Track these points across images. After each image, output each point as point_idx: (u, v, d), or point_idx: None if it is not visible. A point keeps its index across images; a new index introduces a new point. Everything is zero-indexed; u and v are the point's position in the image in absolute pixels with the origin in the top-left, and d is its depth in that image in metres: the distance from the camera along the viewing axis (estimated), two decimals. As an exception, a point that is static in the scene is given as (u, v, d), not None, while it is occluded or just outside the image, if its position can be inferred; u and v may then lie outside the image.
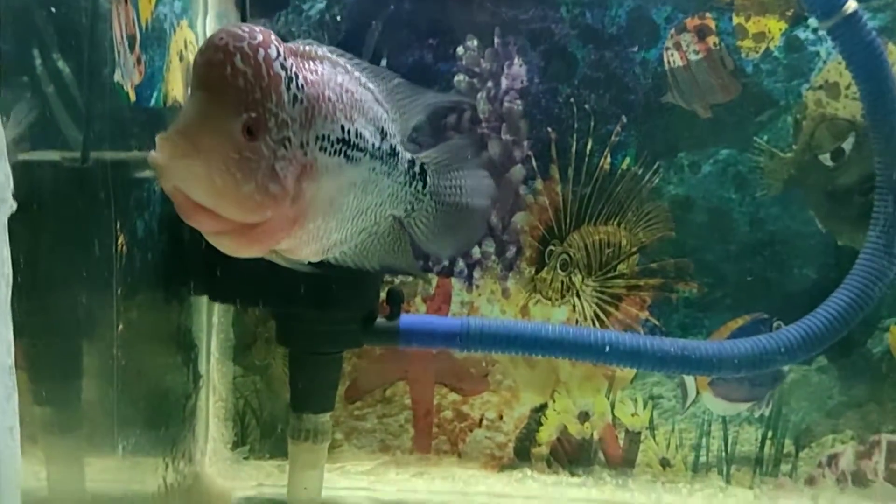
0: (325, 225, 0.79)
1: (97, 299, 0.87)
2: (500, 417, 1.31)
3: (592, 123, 1.24)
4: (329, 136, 0.75)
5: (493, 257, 1.28)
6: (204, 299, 1.21)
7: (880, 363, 1.26)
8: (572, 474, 1.31)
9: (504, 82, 1.25)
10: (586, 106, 1.24)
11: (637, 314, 1.28)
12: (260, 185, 0.69)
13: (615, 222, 1.27)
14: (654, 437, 1.30)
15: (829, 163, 1.24)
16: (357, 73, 0.81)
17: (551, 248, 1.27)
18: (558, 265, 1.28)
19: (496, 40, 1.24)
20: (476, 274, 1.28)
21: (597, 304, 1.28)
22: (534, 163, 1.26)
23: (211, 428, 1.29)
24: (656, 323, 1.27)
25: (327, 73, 0.76)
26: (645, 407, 1.30)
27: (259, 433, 1.30)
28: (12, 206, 0.66)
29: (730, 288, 1.26)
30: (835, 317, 1.15)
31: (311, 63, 0.75)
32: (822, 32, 1.20)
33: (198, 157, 0.66)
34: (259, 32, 0.69)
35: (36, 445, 0.73)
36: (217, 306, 1.27)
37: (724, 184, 1.25)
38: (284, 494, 1.18)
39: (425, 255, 1.27)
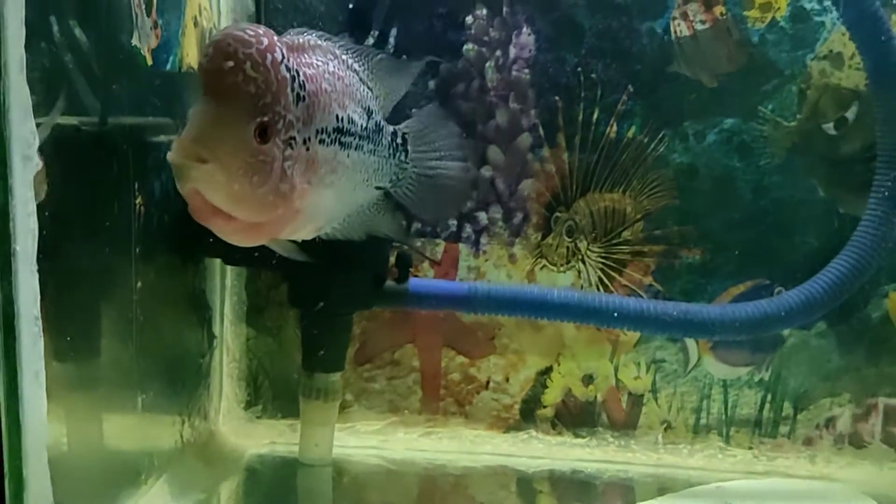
0: (321, 209, 0.82)
1: (117, 257, 0.90)
2: (507, 380, 1.34)
3: (599, 92, 1.26)
4: (326, 128, 0.78)
5: (500, 223, 1.30)
6: (217, 262, 1.24)
7: (878, 329, 1.29)
8: (576, 436, 1.34)
9: (512, 51, 1.26)
10: (593, 75, 1.26)
11: (641, 280, 1.30)
12: (273, 186, 0.72)
13: (620, 190, 1.29)
14: (656, 400, 1.34)
15: (833, 132, 1.26)
16: (344, 56, 0.83)
17: (557, 214, 1.30)
18: (564, 231, 1.30)
19: (505, 9, 1.25)
20: (483, 240, 1.31)
21: (601, 270, 1.31)
22: (541, 131, 1.28)
23: (225, 387, 1.32)
24: (660, 288, 1.30)
25: (321, 63, 0.78)
26: (648, 370, 1.33)
27: (271, 394, 1.34)
28: (38, 163, 0.69)
29: (732, 254, 1.28)
30: (835, 283, 1.18)
31: (307, 56, 0.78)
32: (827, 3, 1.21)
33: (217, 163, 0.69)
34: (264, 36, 0.71)
35: (57, 400, 0.76)
36: (230, 269, 1.30)
37: (728, 152, 1.27)
38: (296, 453, 1.22)
39: (433, 221, 1.30)
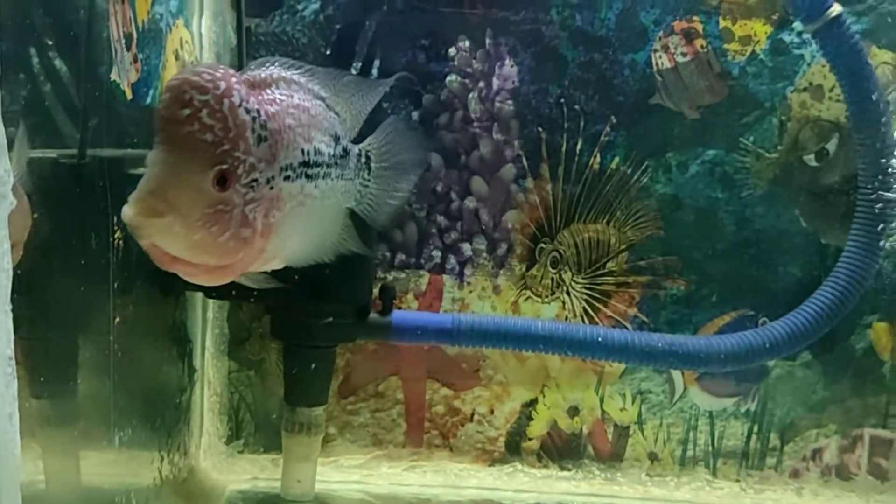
0: (289, 242, 0.80)
1: (94, 292, 0.89)
2: (491, 412, 1.33)
3: (582, 123, 1.26)
4: (292, 164, 0.76)
5: (485, 255, 1.30)
6: (199, 295, 1.23)
7: (863, 359, 1.29)
8: (562, 468, 1.33)
9: (495, 83, 1.27)
10: (576, 106, 1.26)
11: (626, 311, 1.30)
12: (234, 233, 0.70)
13: (604, 221, 1.29)
14: (642, 432, 1.33)
15: (814, 163, 1.26)
16: (309, 84, 0.81)
17: (542, 245, 1.29)
18: (548, 262, 1.30)
19: (488, 41, 1.26)
20: (467, 271, 1.30)
21: (586, 301, 1.30)
22: (525, 162, 1.28)
23: (206, 422, 1.30)
24: (645, 319, 1.30)
25: (285, 98, 0.76)
26: (633, 402, 1.32)
27: (253, 427, 1.32)
28: (12, 202, 0.68)
29: (717, 285, 1.28)
30: (819, 313, 1.18)
31: (269, 92, 0.75)
32: (806, 36, 1.23)
33: (174, 216, 0.66)
34: (221, 79, 0.68)
35: (33, 438, 0.75)
36: (212, 302, 1.28)
37: (711, 183, 1.27)
38: (278, 488, 1.20)
39: (417, 252, 1.29)
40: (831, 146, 1.26)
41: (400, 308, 1.26)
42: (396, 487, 1.30)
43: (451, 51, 1.26)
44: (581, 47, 1.25)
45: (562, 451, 1.33)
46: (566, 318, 1.30)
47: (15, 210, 0.66)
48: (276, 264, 0.83)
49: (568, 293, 1.30)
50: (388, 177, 0.94)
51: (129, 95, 0.95)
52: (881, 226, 1.17)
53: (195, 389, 1.26)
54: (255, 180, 0.71)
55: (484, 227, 1.29)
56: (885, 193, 1.17)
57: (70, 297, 0.83)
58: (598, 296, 1.30)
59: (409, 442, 1.33)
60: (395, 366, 1.32)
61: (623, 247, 1.29)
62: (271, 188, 0.73)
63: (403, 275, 1.30)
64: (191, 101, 0.66)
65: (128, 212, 0.66)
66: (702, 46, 1.25)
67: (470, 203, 1.29)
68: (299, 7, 1.25)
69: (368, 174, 0.92)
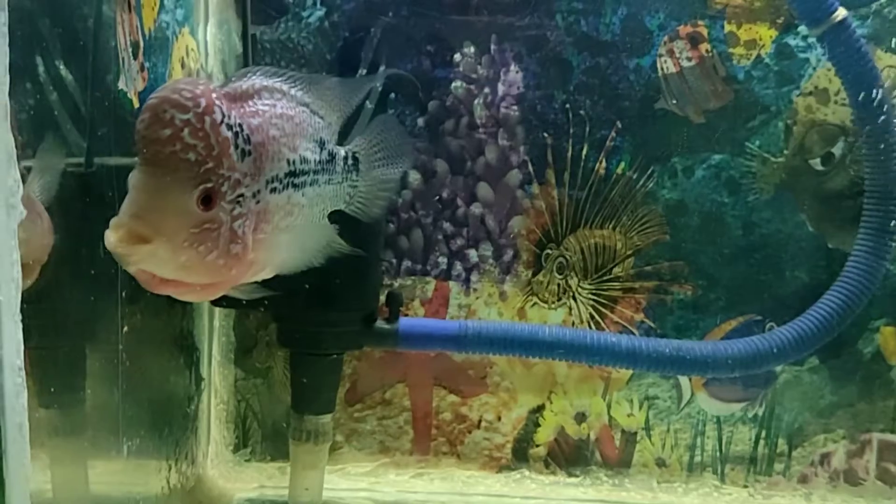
0: (279, 251, 0.79)
1: (103, 301, 0.88)
2: (499, 419, 1.33)
3: (588, 129, 1.26)
4: (278, 175, 0.74)
5: (491, 261, 1.30)
6: (205, 303, 1.23)
7: (870, 364, 1.28)
8: (570, 475, 1.33)
9: (501, 88, 1.27)
10: (581, 112, 1.26)
11: (632, 316, 1.30)
12: (222, 250, 0.69)
13: (610, 226, 1.29)
14: (649, 438, 1.32)
15: (820, 167, 1.26)
16: (293, 91, 0.79)
17: (548, 251, 1.29)
18: (555, 268, 1.30)
19: (493, 47, 1.26)
20: (474, 277, 1.30)
21: (593, 307, 1.30)
22: (530, 167, 1.28)
23: (213, 430, 1.30)
24: (651, 325, 1.29)
25: (267, 108, 0.74)
26: (641, 408, 1.32)
27: (260, 435, 1.32)
28: (22, 212, 0.68)
29: (723, 290, 1.28)
30: (826, 318, 1.18)
31: (251, 103, 0.73)
32: (812, 39, 1.23)
33: (158, 241, 0.65)
34: (201, 95, 0.66)
35: (41, 448, 0.74)
36: (218, 310, 1.28)
37: (717, 188, 1.27)
38: (286, 496, 1.19)
39: (423, 259, 1.29)
40: (837, 150, 1.26)
41: (406, 315, 1.25)
42: (404, 494, 1.29)
43: (457, 57, 1.26)
44: (586, 53, 1.25)
45: (569, 457, 1.33)
46: (573, 323, 1.30)
47: (36, 229, 0.66)
48: (267, 274, 0.83)
49: (574, 299, 1.30)
50: (377, 176, 0.93)
51: (136, 104, 0.95)
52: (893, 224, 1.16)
53: (202, 398, 1.26)
54: (242, 195, 0.70)
55: (490, 233, 1.29)
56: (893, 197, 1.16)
57: (79, 306, 0.83)
58: (604, 301, 1.30)
59: (416, 449, 1.33)
60: (402, 373, 1.32)
61: (629, 252, 1.29)
62: (258, 202, 0.72)
63: (410, 281, 1.29)
64: (171, 120, 0.64)
65: (111, 238, 0.64)
66: (707, 51, 1.25)
67: (476, 209, 1.29)
68: (304, 14, 1.25)
69: (357, 175, 0.91)
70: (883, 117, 1.15)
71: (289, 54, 1.25)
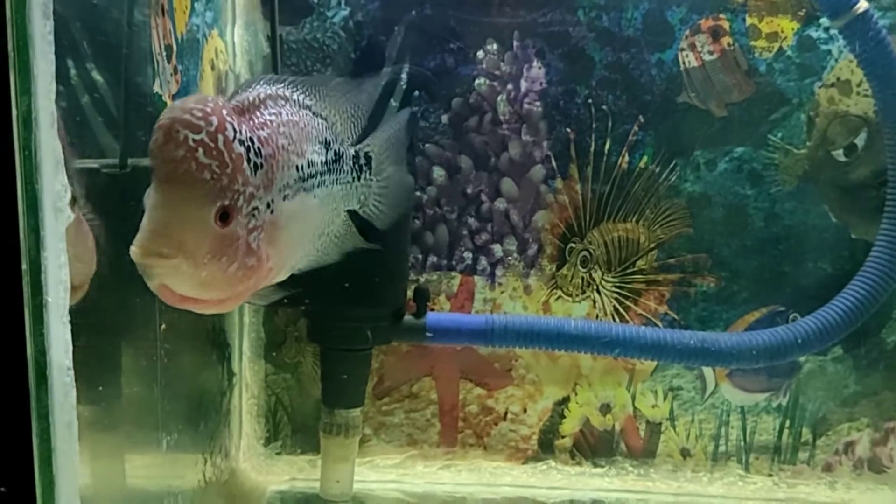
0: (294, 255, 0.81)
1: (141, 301, 0.91)
2: (524, 411, 1.34)
3: (610, 123, 1.27)
4: (288, 183, 0.75)
5: (515, 255, 1.31)
6: (235, 300, 1.25)
7: (894, 352, 1.29)
8: (595, 465, 1.34)
9: (523, 85, 1.28)
10: (604, 106, 1.27)
11: (656, 308, 1.31)
12: (241, 263, 0.70)
13: (634, 219, 1.30)
14: (674, 428, 1.34)
15: (842, 158, 1.27)
16: (295, 96, 0.80)
17: (571, 245, 1.31)
18: (578, 262, 1.31)
19: (515, 44, 1.27)
20: (498, 271, 1.31)
21: (616, 300, 1.32)
22: (553, 162, 1.29)
23: (244, 424, 1.33)
24: (675, 317, 1.31)
25: (274, 118, 0.75)
26: (665, 398, 1.33)
27: (290, 429, 1.34)
28: (69, 216, 0.70)
29: (746, 281, 1.29)
30: (850, 308, 1.19)
31: (258, 114, 0.74)
32: (833, 31, 1.23)
33: (182, 257, 0.66)
34: (212, 114, 0.67)
35: (85, 444, 0.77)
36: (248, 306, 1.31)
37: (739, 180, 1.28)
38: (317, 488, 1.22)
39: (449, 254, 1.31)
40: (860, 141, 1.26)
41: (433, 310, 1.27)
42: (432, 486, 1.31)
43: (480, 54, 1.27)
44: (608, 48, 1.26)
45: (595, 448, 1.35)
46: (597, 316, 1.31)
47: (84, 249, 0.68)
48: (282, 276, 0.84)
49: (598, 292, 1.31)
50: (390, 173, 0.94)
51: (171, 107, 0.97)
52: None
53: (234, 393, 1.28)
54: (256, 208, 0.71)
55: (514, 228, 1.31)
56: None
57: (120, 305, 0.85)
58: (628, 294, 1.31)
59: (443, 441, 1.35)
60: (429, 367, 1.34)
61: (652, 245, 1.30)
62: (272, 212, 0.73)
63: (435, 276, 1.31)
64: (185, 141, 0.65)
65: (136, 252, 0.66)
66: (728, 44, 1.25)
67: (500, 204, 1.30)
68: (329, 14, 1.26)
69: (370, 174, 0.92)
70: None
71: (314, 54, 1.27)
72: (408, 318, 1.19)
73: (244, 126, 0.70)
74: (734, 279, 1.29)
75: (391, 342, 1.23)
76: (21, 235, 0.67)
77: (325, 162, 0.82)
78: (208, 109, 0.67)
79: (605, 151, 1.28)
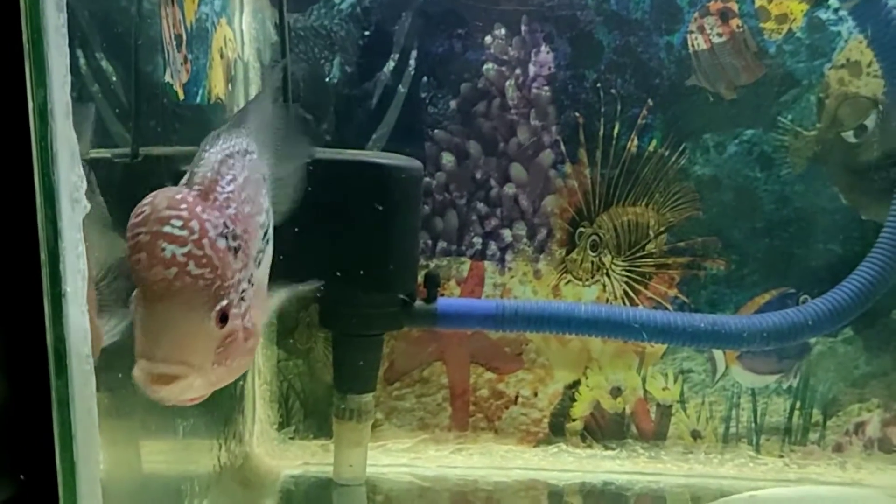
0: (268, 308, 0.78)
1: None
2: (535, 394, 1.35)
3: (619, 107, 1.27)
4: (259, 247, 0.72)
5: (525, 240, 1.31)
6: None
7: (905, 333, 1.30)
8: (606, 448, 1.35)
9: (532, 69, 1.28)
10: (613, 90, 1.27)
11: (666, 292, 1.31)
12: (242, 350, 0.68)
13: (643, 203, 1.30)
14: (684, 410, 1.34)
15: (853, 139, 1.27)
16: (236, 141, 0.76)
17: (581, 229, 1.31)
18: (588, 246, 1.31)
19: (523, 28, 1.27)
20: (508, 256, 1.32)
21: (626, 283, 1.32)
22: (562, 147, 1.29)
23: (258, 409, 1.34)
24: (685, 300, 1.31)
25: (234, 186, 0.70)
26: (675, 381, 1.34)
27: (303, 414, 1.35)
28: (86, 206, 0.71)
29: (757, 264, 1.29)
30: (861, 289, 1.19)
31: (222, 189, 0.69)
32: (843, 12, 1.22)
33: (192, 374, 0.63)
34: (192, 218, 0.61)
35: (104, 432, 0.77)
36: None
37: (749, 163, 1.28)
38: (330, 472, 1.23)
39: (458, 239, 1.31)
40: (870, 122, 1.26)
41: (443, 295, 1.28)
42: (444, 469, 1.32)
43: (487, 39, 1.27)
44: (616, 31, 1.26)
45: (605, 431, 1.36)
46: (607, 300, 1.32)
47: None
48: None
49: (608, 276, 1.32)
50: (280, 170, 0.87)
51: (182, 96, 0.97)
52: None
53: (247, 378, 1.29)
54: (244, 290, 0.68)
55: (524, 213, 1.31)
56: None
57: (130, 291, 0.86)
58: (638, 278, 1.32)
59: (454, 425, 1.36)
60: (439, 352, 1.35)
61: (662, 229, 1.30)
62: (253, 284, 0.70)
63: (445, 262, 1.32)
64: (173, 258, 0.61)
65: (142, 378, 0.63)
66: (737, 26, 1.25)
67: (509, 189, 1.30)
68: (336, 1, 1.26)
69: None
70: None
71: (321, 41, 1.27)
72: (419, 303, 1.20)
73: (217, 214, 0.65)
74: (744, 262, 1.30)
75: (402, 328, 1.24)
76: (39, 226, 0.68)
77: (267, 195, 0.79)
78: (185, 214, 0.62)
79: (614, 135, 1.28)
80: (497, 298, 1.29)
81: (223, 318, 0.65)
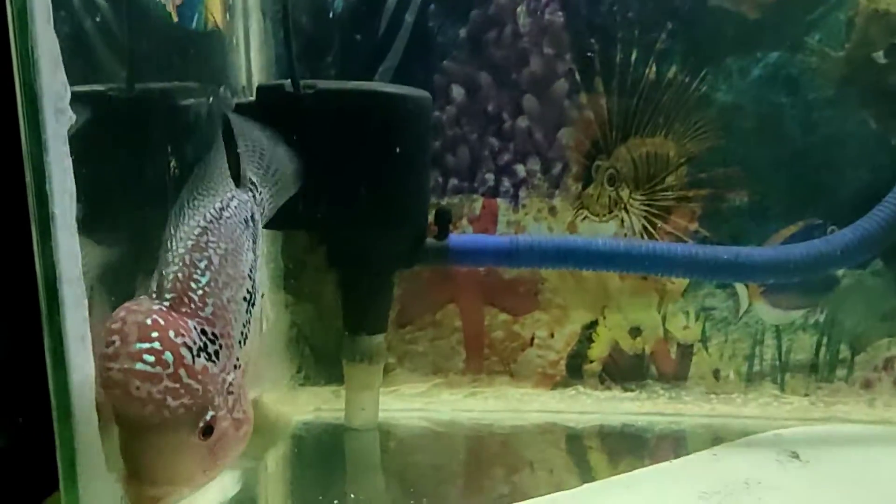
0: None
1: (152, 225, 0.87)
2: (551, 336, 1.31)
3: (636, 32, 1.21)
4: (242, 332, 0.70)
5: (539, 175, 1.26)
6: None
7: (937, 264, 1.25)
8: (625, 389, 1.32)
9: (544, -6, 1.22)
10: (629, 14, 1.21)
11: (687, 226, 1.26)
12: (235, 440, 0.66)
13: (662, 133, 1.24)
14: (706, 350, 1.30)
15: (883, 60, 1.20)
16: (206, 206, 0.73)
17: (598, 163, 1.26)
18: (605, 180, 1.26)
19: (534, -49, 1.21)
20: (522, 193, 1.27)
21: (645, 218, 1.27)
22: (577, 76, 1.23)
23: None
24: (706, 234, 1.26)
25: (209, 273, 0.67)
26: (697, 319, 1.29)
27: (313, 360, 1.32)
28: (71, 117, 0.66)
29: (781, 195, 1.24)
30: (891, 218, 1.14)
31: (195, 285, 0.66)
32: (874, -77, 1.16)
33: (182, 488, 0.63)
34: (165, 348, 0.59)
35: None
36: (264, 236, 1.27)
37: (774, 88, 1.22)
38: (342, 418, 1.20)
39: (470, 175, 1.26)
40: (902, 41, 1.20)
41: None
42: (458, 414, 1.29)
43: (497, -37, 1.21)
44: (633, -49, 1.20)
45: (624, 372, 1.32)
46: (625, 236, 1.27)
47: None
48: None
49: (626, 210, 1.27)
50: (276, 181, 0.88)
51: (175, 18, 0.92)
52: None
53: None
54: (230, 384, 0.65)
55: (537, 147, 1.26)
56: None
57: (131, 229, 0.82)
58: (657, 212, 1.27)
59: (468, 369, 1.32)
60: (452, 293, 1.31)
61: (682, 160, 1.25)
62: (239, 367, 0.68)
63: (457, 200, 1.27)
64: (150, 396, 0.59)
65: (132, 497, 0.62)
66: (761, -58, 1.18)
67: (522, 122, 1.25)
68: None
69: (260, 197, 0.84)
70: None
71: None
72: (430, 240, 1.15)
73: (193, 325, 0.63)
74: (769, 193, 1.24)
75: (413, 266, 1.19)
76: (22, 140, 0.64)
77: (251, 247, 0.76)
78: (158, 346, 0.59)
79: (632, 62, 1.22)
80: (511, 234, 1.24)
81: (208, 431, 0.63)
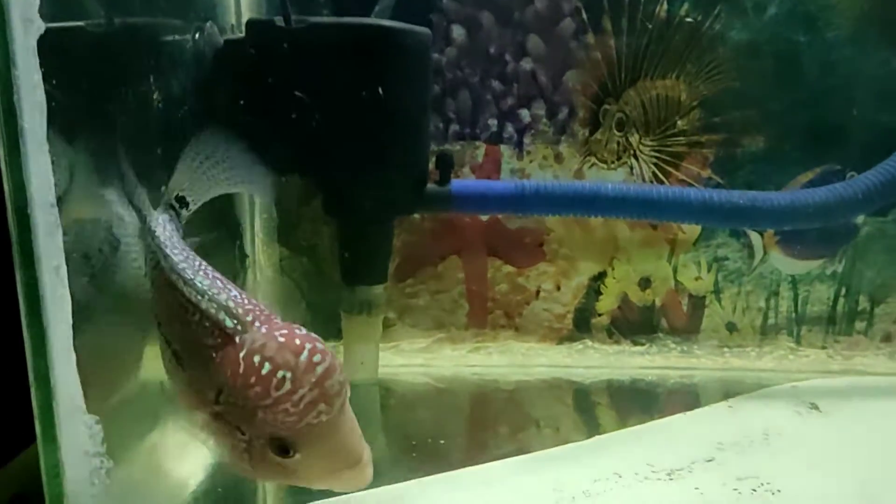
0: None
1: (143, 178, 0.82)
2: (558, 288, 1.26)
3: (647, -34, 1.16)
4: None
5: (544, 120, 1.21)
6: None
7: (962, 210, 1.20)
8: (635, 343, 1.27)
9: (549, -72, 1.16)
10: (640, -52, 1.15)
11: (699, 173, 1.21)
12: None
13: (674, 75, 1.19)
14: (719, 301, 1.26)
15: (908, -6, 1.15)
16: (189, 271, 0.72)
17: (606, 106, 1.20)
18: (614, 125, 1.21)
19: None
20: (526, 139, 1.22)
21: (655, 165, 1.22)
22: (584, 15, 1.18)
23: (261, 310, 1.25)
24: (720, 181, 1.21)
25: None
26: (709, 270, 1.25)
27: (309, 316, 1.27)
28: (40, 26, 0.61)
29: (799, 139, 1.19)
30: (916, 160, 1.08)
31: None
32: None
33: None
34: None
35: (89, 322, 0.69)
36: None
37: (791, 26, 1.16)
38: (340, 374, 1.15)
39: (472, 121, 1.21)
40: (928, -26, 1.14)
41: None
42: (461, 369, 1.25)
43: None
44: None
45: (634, 325, 1.27)
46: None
47: None
48: None
49: (636, 157, 1.22)
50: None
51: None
52: None
53: (248, 276, 1.21)
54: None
55: (542, 90, 1.20)
56: None
57: (114, 154, 0.77)
58: (668, 158, 1.21)
59: (472, 323, 1.28)
60: (454, 245, 1.26)
61: (695, 103, 1.20)
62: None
63: (458, 147, 1.21)
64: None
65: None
66: None
67: (526, 64, 1.19)
68: None
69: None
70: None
71: None
72: (431, 186, 1.10)
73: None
74: (785, 137, 1.19)
75: (414, 213, 1.14)
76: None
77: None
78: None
79: (641, 0, 1.17)
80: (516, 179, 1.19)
81: None
